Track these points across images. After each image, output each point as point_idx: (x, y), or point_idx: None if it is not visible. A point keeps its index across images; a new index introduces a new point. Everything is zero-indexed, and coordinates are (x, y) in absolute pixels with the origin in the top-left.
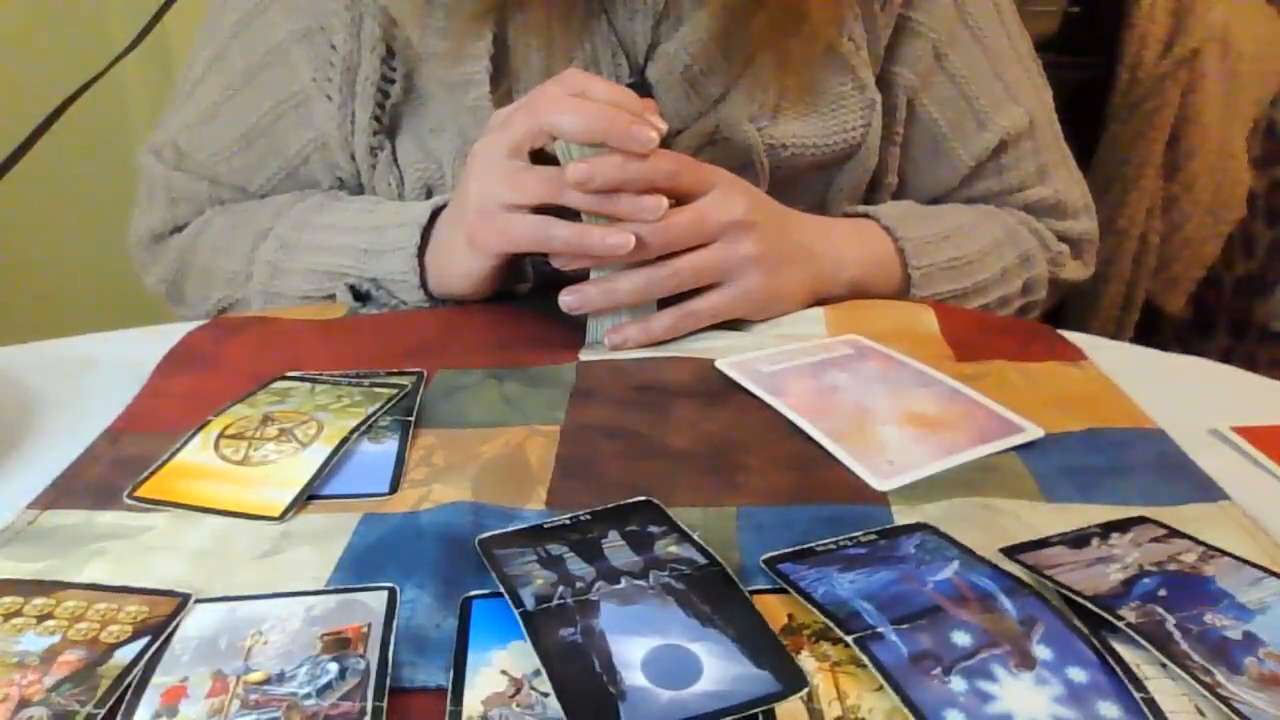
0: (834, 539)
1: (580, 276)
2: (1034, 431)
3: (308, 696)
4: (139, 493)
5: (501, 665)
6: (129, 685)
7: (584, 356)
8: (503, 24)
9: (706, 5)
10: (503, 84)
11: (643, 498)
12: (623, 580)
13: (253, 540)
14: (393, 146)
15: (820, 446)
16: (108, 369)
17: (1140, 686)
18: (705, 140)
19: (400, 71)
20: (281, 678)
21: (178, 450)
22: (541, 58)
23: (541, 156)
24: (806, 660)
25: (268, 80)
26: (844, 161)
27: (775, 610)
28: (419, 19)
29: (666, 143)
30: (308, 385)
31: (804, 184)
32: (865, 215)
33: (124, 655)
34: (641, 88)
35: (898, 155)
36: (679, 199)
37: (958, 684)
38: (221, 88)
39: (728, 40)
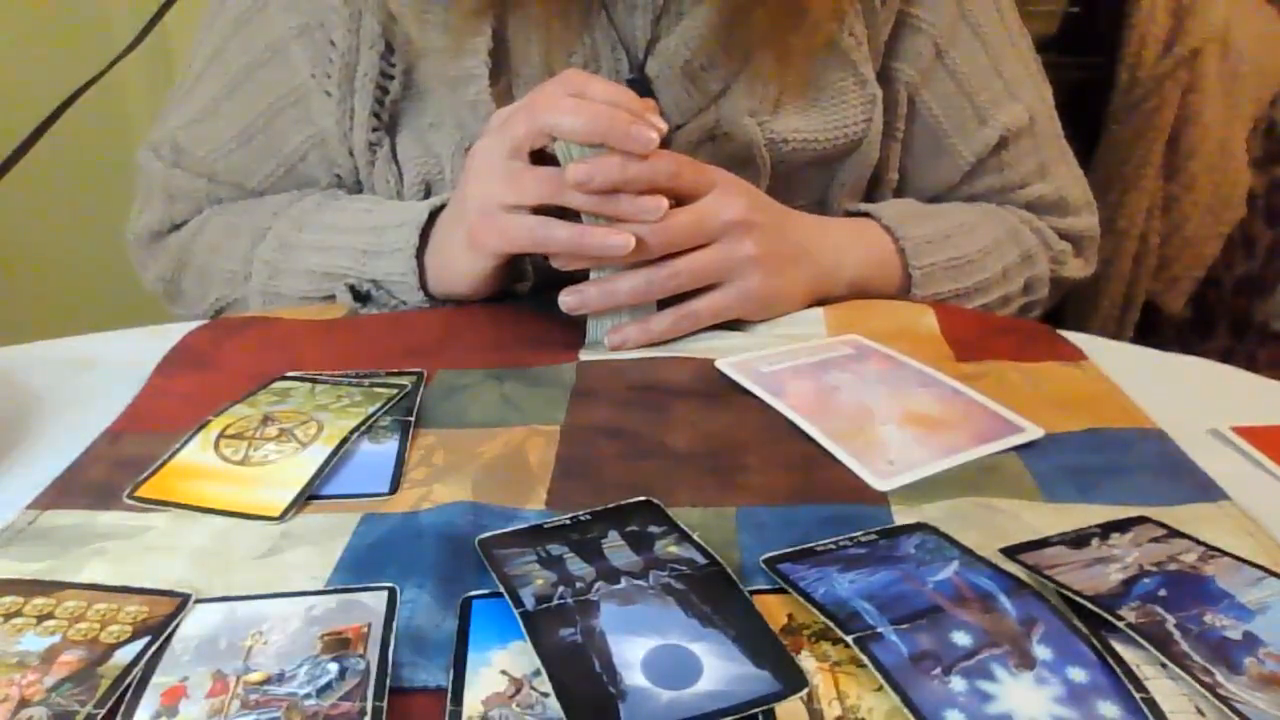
0: (834, 539)
1: (580, 276)
2: (1034, 431)
3: (308, 696)
4: (139, 493)
5: (501, 665)
6: (129, 685)
7: (584, 356)
8: (502, 19)
9: (706, 0)
10: (502, 79)
11: (643, 498)
12: (623, 580)
13: (253, 540)
14: (392, 142)
15: (820, 446)
16: (108, 369)
17: (1140, 686)
18: (706, 135)
19: (399, 67)
20: (281, 678)
21: (178, 450)
22: (541, 53)
23: (542, 156)
24: (806, 660)
25: (267, 77)
26: (845, 157)
27: (775, 610)
28: (418, 14)
29: (667, 139)
30: (308, 385)
31: (805, 180)
32: (866, 214)
33: (124, 655)
34: (641, 84)
35: (899, 151)
36: (679, 199)
37: (958, 684)
38: (220, 84)
39: (728, 35)
